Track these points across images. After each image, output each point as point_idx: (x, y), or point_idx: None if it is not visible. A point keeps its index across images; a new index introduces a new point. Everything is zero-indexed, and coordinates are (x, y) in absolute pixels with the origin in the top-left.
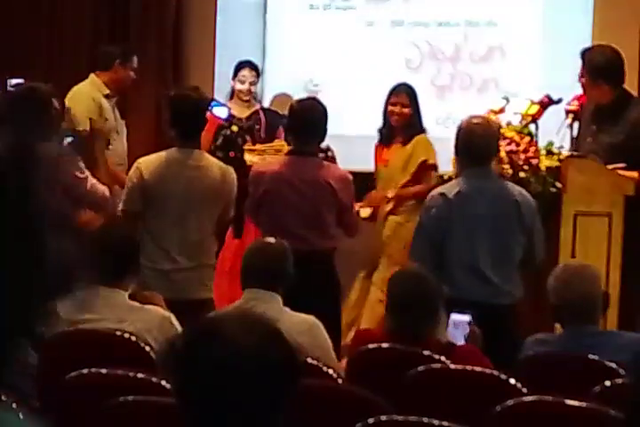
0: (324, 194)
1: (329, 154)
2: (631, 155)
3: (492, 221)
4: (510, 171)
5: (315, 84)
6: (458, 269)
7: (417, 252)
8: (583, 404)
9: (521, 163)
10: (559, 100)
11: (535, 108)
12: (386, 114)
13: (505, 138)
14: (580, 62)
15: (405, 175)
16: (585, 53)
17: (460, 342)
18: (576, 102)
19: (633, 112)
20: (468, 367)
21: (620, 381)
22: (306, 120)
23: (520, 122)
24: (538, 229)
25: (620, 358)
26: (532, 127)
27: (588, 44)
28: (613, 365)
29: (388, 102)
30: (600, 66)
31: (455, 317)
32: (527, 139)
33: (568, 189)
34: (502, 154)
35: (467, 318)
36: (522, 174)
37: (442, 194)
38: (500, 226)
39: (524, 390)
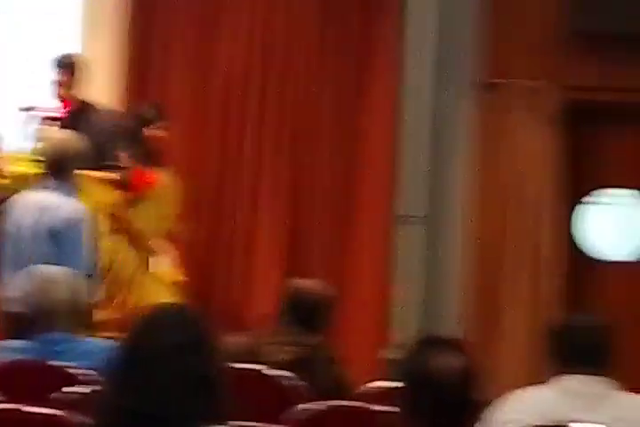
0: None
1: None
2: None
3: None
4: None
5: None
6: None
7: None
8: (42, 410)
9: None
10: (32, 107)
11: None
12: None
13: None
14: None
15: None
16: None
17: None
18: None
19: (95, 118)
20: None
21: (81, 386)
22: None
23: None
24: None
25: (85, 363)
26: None
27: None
28: (74, 371)
29: None
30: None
31: None
32: None
33: None
34: None
35: None
36: None
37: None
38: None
39: None
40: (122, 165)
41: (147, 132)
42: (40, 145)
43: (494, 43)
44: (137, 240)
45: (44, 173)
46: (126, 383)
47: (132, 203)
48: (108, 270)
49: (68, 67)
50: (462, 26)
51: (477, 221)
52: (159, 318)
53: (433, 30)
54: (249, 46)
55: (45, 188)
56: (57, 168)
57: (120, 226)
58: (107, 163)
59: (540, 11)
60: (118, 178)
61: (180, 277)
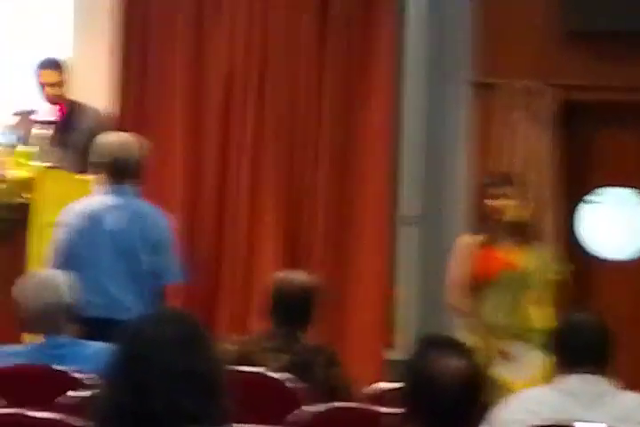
0: None
1: None
2: None
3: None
4: None
5: None
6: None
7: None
8: (46, 415)
9: None
10: (31, 111)
11: (17, 120)
12: None
13: None
14: None
15: None
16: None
17: None
18: (51, 113)
19: (84, 117)
20: None
21: (85, 390)
22: None
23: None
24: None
25: (87, 367)
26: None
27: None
28: (79, 375)
29: None
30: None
31: None
32: None
33: (42, 200)
34: None
35: None
36: None
37: (75, 210)
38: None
39: None
40: None
41: None
42: (36, 148)
43: (490, 42)
44: None
45: (110, 178)
46: (123, 383)
47: None
48: None
49: (55, 67)
50: (458, 25)
51: None
52: (154, 317)
53: (429, 30)
54: (246, 46)
55: (115, 193)
56: (126, 172)
57: None
58: None
59: (536, 10)
60: None
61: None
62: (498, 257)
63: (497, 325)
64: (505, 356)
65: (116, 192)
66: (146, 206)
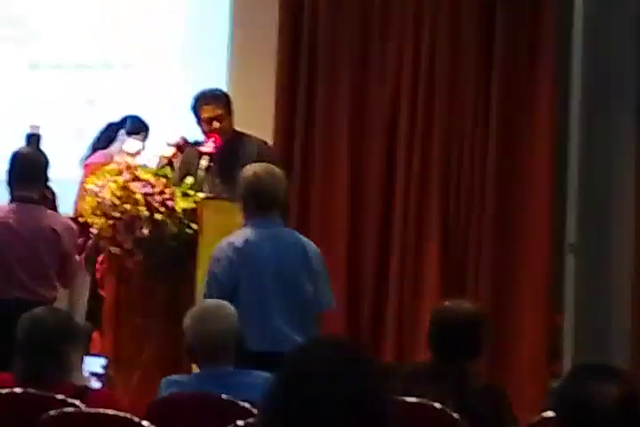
0: (48, 243)
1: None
2: None
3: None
4: (147, 213)
5: None
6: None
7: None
8: None
9: (157, 205)
10: (195, 143)
11: (171, 151)
12: None
13: (141, 180)
14: None
15: None
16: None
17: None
18: (212, 144)
19: (247, 148)
20: (102, 411)
21: (252, 420)
22: (26, 167)
23: (157, 164)
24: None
25: (253, 396)
26: (168, 169)
27: (224, 86)
28: (247, 404)
29: None
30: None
31: (89, 360)
32: (163, 181)
33: (204, 231)
34: (138, 196)
35: (102, 361)
36: (158, 216)
37: (230, 243)
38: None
39: None
40: None
41: None
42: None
43: None
44: None
45: (256, 210)
46: (280, 414)
47: None
48: None
49: (218, 100)
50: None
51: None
52: (314, 346)
53: (587, 57)
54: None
55: (265, 224)
56: (272, 202)
57: None
58: None
59: None
60: None
61: None
62: None
63: None
64: None
65: (266, 223)
66: (297, 235)
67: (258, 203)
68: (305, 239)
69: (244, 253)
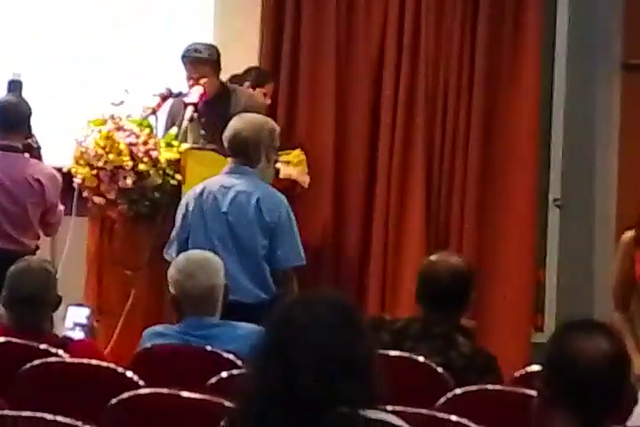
0: (31, 192)
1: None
2: None
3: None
4: (130, 163)
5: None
6: None
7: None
8: (198, 396)
9: (141, 155)
10: (179, 94)
11: (156, 101)
12: None
13: (125, 130)
14: None
15: None
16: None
17: (79, 336)
18: (196, 95)
19: (233, 102)
20: (85, 361)
21: (236, 371)
22: (9, 116)
23: (140, 114)
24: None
25: (237, 348)
26: (151, 119)
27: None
28: (231, 356)
29: None
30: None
31: (73, 310)
32: (147, 131)
33: (187, 181)
34: (122, 146)
35: (86, 311)
36: (142, 166)
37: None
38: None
39: (142, 382)
40: None
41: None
42: (187, 130)
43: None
44: None
45: (233, 158)
46: (274, 365)
47: None
48: None
49: (204, 62)
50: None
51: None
52: (307, 299)
53: (576, 12)
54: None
55: (235, 173)
56: (242, 151)
57: None
58: None
59: None
60: None
61: None
62: None
63: None
64: None
65: (236, 173)
66: (264, 188)
67: (230, 150)
68: (268, 192)
69: (203, 203)
